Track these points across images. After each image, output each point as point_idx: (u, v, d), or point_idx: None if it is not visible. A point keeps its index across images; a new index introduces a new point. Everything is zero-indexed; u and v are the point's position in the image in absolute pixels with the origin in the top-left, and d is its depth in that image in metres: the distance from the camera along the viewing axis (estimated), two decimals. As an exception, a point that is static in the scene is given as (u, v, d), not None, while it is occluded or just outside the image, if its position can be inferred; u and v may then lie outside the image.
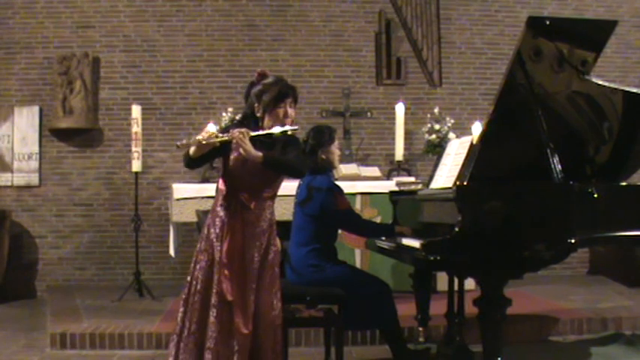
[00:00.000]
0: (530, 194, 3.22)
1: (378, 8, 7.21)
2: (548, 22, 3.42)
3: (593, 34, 3.62)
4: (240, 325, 3.14)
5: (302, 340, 4.59)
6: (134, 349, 4.63)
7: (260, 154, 3.11)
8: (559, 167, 3.38)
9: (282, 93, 3.28)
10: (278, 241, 3.39)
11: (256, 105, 3.29)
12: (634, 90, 3.86)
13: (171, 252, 6.02)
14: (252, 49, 7.11)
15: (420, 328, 4.40)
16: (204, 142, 3.11)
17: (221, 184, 3.31)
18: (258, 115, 3.30)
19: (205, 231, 3.29)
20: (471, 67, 7.27)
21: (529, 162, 3.51)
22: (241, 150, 3.10)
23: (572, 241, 3.18)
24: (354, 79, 7.18)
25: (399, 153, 6.41)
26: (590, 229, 3.30)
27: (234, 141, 3.10)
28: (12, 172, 6.95)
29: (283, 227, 3.72)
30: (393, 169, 6.59)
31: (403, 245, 3.68)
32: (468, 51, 7.28)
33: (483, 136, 3.45)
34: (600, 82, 3.73)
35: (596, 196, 3.32)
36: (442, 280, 5.10)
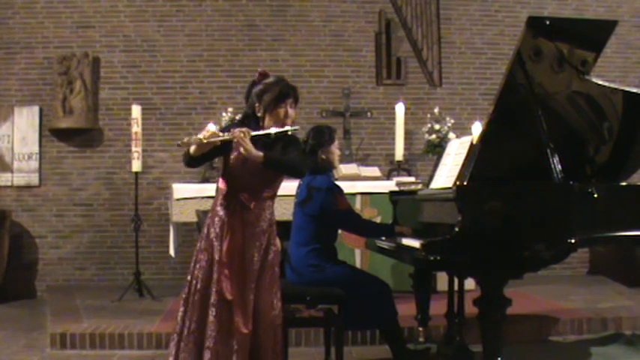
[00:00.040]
0: (530, 194, 3.22)
1: (378, 8, 7.21)
2: (548, 22, 3.42)
3: (593, 34, 3.62)
4: (240, 325, 3.14)
5: (302, 340, 4.59)
6: (134, 349, 4.63)
7: (261, 153, 3.11)
8: (559, 167, 3.38)
9: (283, 93, 3.28)
10: (278, 241, 3.39)
11: (257, 105, 3.30)
12: (634, 90, 3.87)
13: (171, 252, 6.02)
14: (252, 49, 7.11)
15: (420, 328, 4.40)
16: (205, 141, 3.11)
17: (221, 184, 3.31)
18: (259, 114, 3.30)
19: (205, 230, 3.29)
20: (471, 67, 7.27)
21: (529, 162, 3.51)
22: (242, 149, 3.10)
23: (572, 241, 3.18)
24: (354, 79, 7.18)
25: (399, 153, 6.41)
26: (590, 229, 3.30)
27: (235, 140, 3.11)
28: (12, 172, 6.95)
29: (283, 227, 3.72)
30: (393, 169, 6.59)
31: (403, 245, 3.68)
32: (468, 51, 7.28)
33: (483, 136, 3.45)
34: (600, 82, 3.74)
35: (596, 196, 3.33)
36: (442, 280, 5.10)
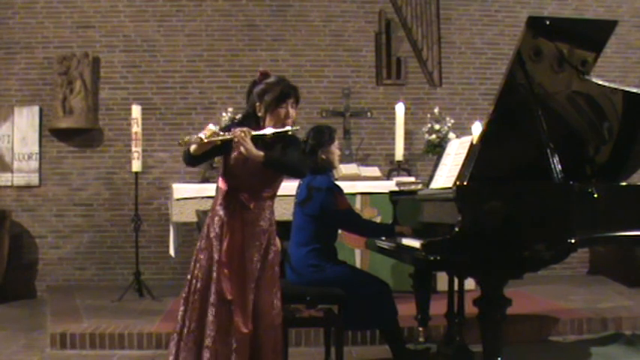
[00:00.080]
0: (530, 194, 3.22)
1: (378, 8, 7.21)
2: (548, 22, 3.42)
3: (593, 34, 3.62)
4: (240, 324, 3.14)
5: (302, 340, 4.59)
6: (134, 349, 4.63)
7: (261, 153, 3.11)
8: (559, 167, 3.38)
9: (284, 93, 3.28)
10: (278, 241, 3.40)
11: (258, 104, 3.29)
12: (634, 90, 3.87)
13: (171, 252, 6.02)
14: (252, 49, 7.11)
15: (420, 328, 4.40)
16: (205, 140, 3.11)
17: (221, 183, 3.31)
18: (260, 114, 3.29)
19: (205, 230, 3.29)
20: (471, 67, 7.27)
21: (529, 162, 3.51)
22: (242, 149, 3.09)
23: (572, 241, 3.18)
24: (354, 79, 7.18)
25: (399, 153, 6.41)
26: (590, 229, 3.30)
27: (236, 140, 3.11)
28: (12, 172, 6.95)
29: (283, 227, 3.72)
30: (393, 169, 6.59)
31: (403, 245, 3.68)
32: (468, 51, 7.28)
33: (483, 136, 3.45)
34: (600, 82, 3.74)
35: (596, 196, 3.33)
36: (442, 280, 5.10)
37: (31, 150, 6.96)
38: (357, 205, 5.52)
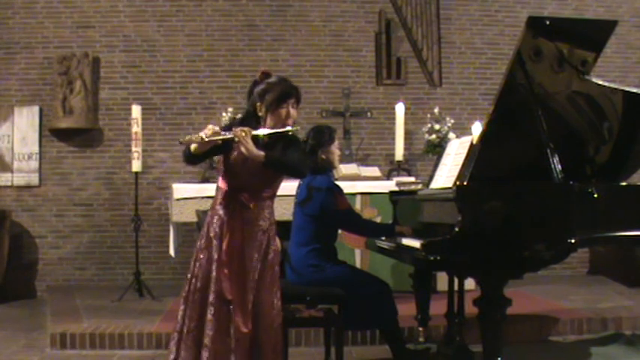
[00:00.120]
0: (530, 194, 3.22)
1: (378, 8, 7.21)
2: (548, 22, 3.42)
3: (593, 34, 3.62)
4: (240, 324, 3.14)
5: (302, 340, 4.59)
6: (134, 349, 4.63)
7: (262, 153, 3.11)
8: (559, 167, 3.38)
9: (285, 93, 3.28)
10: (278, 241, 3.39)
11: (258, 104, 3.29)
12: (634, 90, 3.87)
13: (171, 252, 6.02)
14: (252, 49, 7.11)
15: (420, 328, 4.40)
16: (206, 139, 3.11)
17: (221, 183, 3.31)
18: (260, 114, 3.29)
19: (205, 229, 3.29)
20: (471, 67, 7.27)
21: (529, 162, 3.51)
22: (243, 149, 3.09)
23: (572, 241, 3.18)
24: (354, 79, 7.18)
25: (399, 153, 6.41)
26: (590, 229, 3.30)
27: (236, 139, 3.11)
28: (12, 172, 6.95)
29: (283, 227, 3.72)
30: (393, 169, 6.59)
31: (403, 245, 3.68)
32: (468, 51, 7.28)
33: (483, 136, 3.45)
34: (600, 82, 3.74)
35: (596, 196, 3.32)
36: (442, 280, 5.10)
37: (31, 150, 6.96)
38: (357, 205, 5.52)
